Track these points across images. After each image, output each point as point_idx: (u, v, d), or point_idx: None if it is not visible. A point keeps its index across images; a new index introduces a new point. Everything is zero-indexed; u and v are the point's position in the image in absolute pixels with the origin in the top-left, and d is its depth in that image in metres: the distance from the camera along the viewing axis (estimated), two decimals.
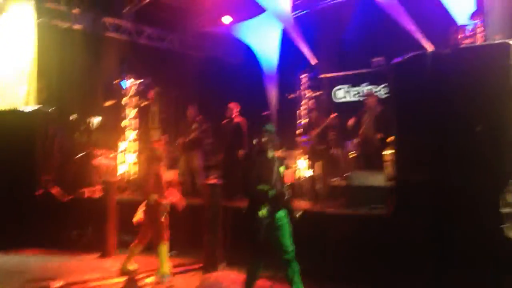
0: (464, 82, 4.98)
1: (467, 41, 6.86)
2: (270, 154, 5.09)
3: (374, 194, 6.79)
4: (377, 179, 6.90)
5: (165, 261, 6.48)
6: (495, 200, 4.72)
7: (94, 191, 9.54)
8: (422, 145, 5.19)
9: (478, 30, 6.90)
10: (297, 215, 5.11)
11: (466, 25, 7.46)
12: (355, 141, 8.77)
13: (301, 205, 8.16)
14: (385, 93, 10.97)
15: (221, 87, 13.20)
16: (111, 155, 11.27)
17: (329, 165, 9.54)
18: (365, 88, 11.80)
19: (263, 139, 5.13)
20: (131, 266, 6.76)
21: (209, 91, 13.15)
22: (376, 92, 10.96)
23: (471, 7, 7.96)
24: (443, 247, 4.94)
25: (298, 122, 11.68)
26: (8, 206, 9.15)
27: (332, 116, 9.20)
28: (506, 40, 4.88)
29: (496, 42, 5.36)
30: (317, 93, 12.41)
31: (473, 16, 7.25)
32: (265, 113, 9.99)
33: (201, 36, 13.93)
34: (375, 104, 8.31)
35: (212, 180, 7.86)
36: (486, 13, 6.40)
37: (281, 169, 5.10)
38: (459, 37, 6.90)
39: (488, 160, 4.78)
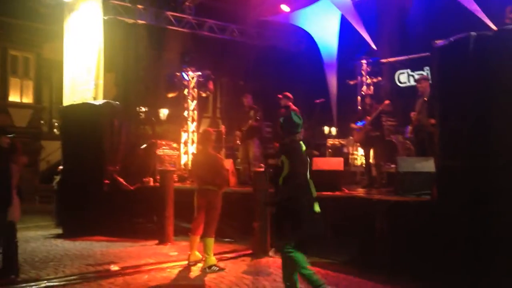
0: (508, 65, 4.77)
1: None
2: (303, 146, 5.06)
3: (422, 180, 6.66)
4: (426, 165, 6.75)
5: (211, 253, 6.60)
6: None
7: (156, 181, 9.95)
8: (464, 131, 5.04)
9: None
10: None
11: None
12: (410, 127, 8.61)
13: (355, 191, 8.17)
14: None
15: (281, 75, 13.31)
16: (174, 145, 11.68)
17: (384, 152, 9.42)
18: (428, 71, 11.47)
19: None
20: (194, 257, 6.91)
21: (269, 80, 13.28)
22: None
23: None
24: (483, 236, 4.82)
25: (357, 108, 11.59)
26: (77, 194, 9.75)
27: (386, 102, 9.05)
28: None
29: None
30: (378, 79, 12.23)
31: None
32: (318, 100, 9.94)
33: (260, 25, 14.04)
34: (428, 88, 8.10)
35: (260, 168, 7.99)
36: None
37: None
38: None
39: None
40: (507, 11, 7.40)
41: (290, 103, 9.56)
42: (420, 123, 8.07)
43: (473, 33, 5.24)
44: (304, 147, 5.04)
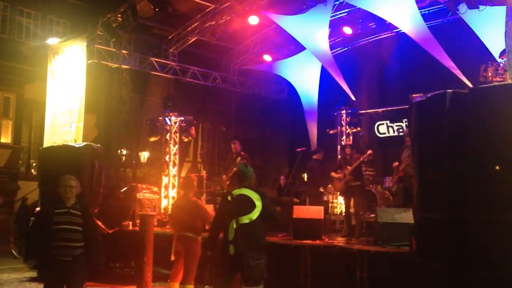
0: (481, 122, 4.97)
1: (497, 79, 6.82)
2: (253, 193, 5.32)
3: (401, 231, 6.77)
4: (405, 216, 6.88)
5: None
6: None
7: (136, 225, 9.86)
8: (441, 184, 5.19)
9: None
10: None
11: (498, 63, 7.44)
12: (394, 177, 8.80)
13: (335, 240, 8.22)
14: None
15: (263, 123, 13.55)
16: (155, 189, 11.64)
17: (364, 202, 9.54)
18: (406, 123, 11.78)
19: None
20: None
21: (251, 127, 13.49)
22: None
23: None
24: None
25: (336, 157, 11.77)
26: None
27: (368, 152, 9.24)
28: None
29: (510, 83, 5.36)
30: (357, 129, 12.49)
31: (501, 54, 7.24)
32: (299, 149, 10.13)
33: (243, 73, 14.34)
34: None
35: None
36: (508, 52, 6.39)
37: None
38: (489, 74, 6.88)
39: (505, 200, 4.74)
40: (481, 69, 7.72)
41: (242, 151, 9.78)
42: (406, 174, 8.23)
43: (449, 91, 5.46)
44: (249, 194, 5.27)
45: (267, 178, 11.71)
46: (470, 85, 9.95)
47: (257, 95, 14.48)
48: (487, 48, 10.21)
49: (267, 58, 13.58)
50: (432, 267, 5.30)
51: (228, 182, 10.32)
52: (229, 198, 5.37)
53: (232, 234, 5.24)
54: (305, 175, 11.58)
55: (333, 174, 9.49)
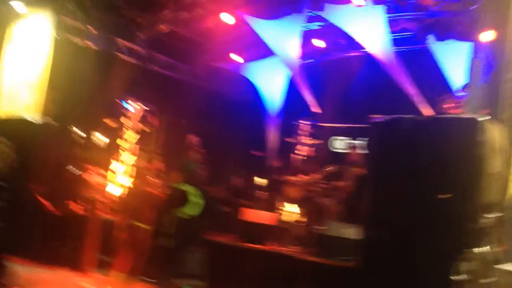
0: (435, 150, 5.21)
1: (455, 111, 7.11)
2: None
3: (348, 246, 6.93)
4: (353, 232, 7.05)
5: None
6: (447, 267, 4.90)
7: (81, 207, 9.70)
8: (390, 204, 5.39)
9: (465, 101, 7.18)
10: None
11: (458, 95, 7.74)
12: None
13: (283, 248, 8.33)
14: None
15: (224, 121, 13.54)
16: (107, 174, 11.43)
17: (315, 213, 9.70)
18: (357, 141, 12.02)
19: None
20: None
21: (212, 124, 13.44)
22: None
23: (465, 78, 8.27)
24: None
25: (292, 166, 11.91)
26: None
27: (328, 168, 9.39)
28: (475, 116, 5.13)
29: (466, 116, 5.63)
30: (315, 142, 12.66)
31: (464, 88, 7.54)
32: (255, 152, 10.22)
33: (210, 70, 14.29)
34: (358, 158, 8.54)
35: None
36: (469, 87, 6.69)
37: None
38: (447, 106, 7.16)
39: (447, 227, 4.98)
40: (440, 100, 7.99)
41: (197, 146, 9.80)
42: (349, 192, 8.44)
43: (407, 116, 5.67)
44: (190, 190, 5.40)
45: (220, 177, 11.70)
46: (427, 113, 10.29)
47: (222, 94, 14.46)
48: (448, 81, 10.59)
49: (237, 58, 13.59)
50: (374, 284, 5.46)
51: (176, 176, 10.24)
52: (171, 191, 5.48)
53: (169, 227, 5.31)
54: (261, 180, 11.67)
55: (287, 180, 9.61)
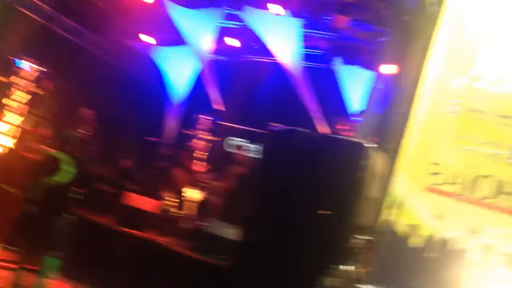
0: (321, 167, 5.44)
1: (347, 133, 7.46)
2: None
3: (225, 245, 7.00)
4: (232, 232, 7.14)
5: None
6: (314, 279, 5.13)
7: None
8: (272, 211, 5.55)
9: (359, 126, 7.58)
10: None
11: (353, 119, 8.15)
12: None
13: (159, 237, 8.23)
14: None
15: (123, 100, 13.15)
16: None
17: (199, 208, 9.69)
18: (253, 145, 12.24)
19: None
20: None
21: (110, 101, 13.00)
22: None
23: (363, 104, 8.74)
24: None
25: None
26: None
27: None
28: (363, 141, 5.43)
29: (355, 140, 5.95)
30: (212, 138, 12.69)
31: (359, 114, 7.96)
32: (150, 138, 10.07)
33: (118, 46, 13.83)
34: (243, 159, 8.71)
35: None
36: (364, 114, 7.07)
37: None
38: (341, 128, 7.49)
39: (319, 242, 5.22)
40: (336, 121, 8.34)
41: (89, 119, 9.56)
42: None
43: (302, 130, 5.86)
44: (65, 158, 5.36)
45: (109, 156, 11.35)
46: (322, 130, 10.71)
47: (126, 72, 14.03)
48: (347, 104, 11.09)
49: (148, 39, 13.30)
50: (245, 285, 5.57)
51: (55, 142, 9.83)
52: (44, 158, 5.30)
53: (36, 193, 5.12)
54: (152, 166, 11.49)
55: (181, 172, 9.54)
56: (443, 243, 5.70)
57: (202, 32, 11.92)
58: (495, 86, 5.93)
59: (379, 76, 8.89)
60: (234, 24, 12.43)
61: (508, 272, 5.38)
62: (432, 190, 5.87)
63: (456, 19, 6.22)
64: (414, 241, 5.86)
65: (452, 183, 5.80)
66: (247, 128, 12.87)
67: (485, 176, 5.74)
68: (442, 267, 5.73)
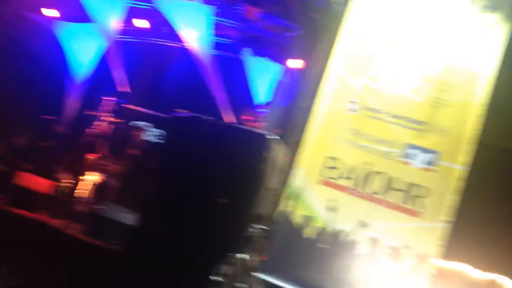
0: (224, 155, 5.48)
1: (252, 124, 7.56)
2: None
3: (120, 230, 6.87)
4: (129, 217, 7.02)
5: None
6: (209, 267, 5.18)
7: None
8: (171, 198, 5.51)
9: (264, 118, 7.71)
10: None
11: (259, 110, 8.27)
12: None
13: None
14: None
15: (19, 77, 12.43)
16: None
17: (96, 191, 9.40)
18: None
19: None
20: None
21: (6, 75, 12.26)
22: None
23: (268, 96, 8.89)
24: None
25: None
26: None
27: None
28: (265, 133, 5.53)
29: (258, 131, 6.05)
30: (115, 120, 12.31)
31: (262, 105, 8.09)
32: (46, 116, 9.61)
33: (18, 17, 13.00)
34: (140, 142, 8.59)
35: None
36: (270, 106, 7.19)
37: None
38: (246, 118, 7.58)
39: (217, 230, 5.26)
40: (242, 111, 8.43)
41: None
42: None
43: (206, 117, 5.86)
44: None
45: (0, 132, 10.71)
46: (227, 120, 10.77)
47: (25, 46, 13.23)
48: (254, 95, 11.22)
49: (52, 13, 12.62)
50: (139, 269, 5.50)
51: None
52: None
53: None
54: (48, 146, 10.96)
55: (79, 153, 9.19)
56: (335, 235, 5.95)
57: (109, 11, 11.52)
58: (391, 87, 6.25)
59: (286, 70, 9.06)
60: (144, 5, 12.11)
61: (393, 264, 5.72)
62: (327, 183, 6.10)
63: (359, 20, 6.47)
64: (308, 232, 6.07)
65: (346, 178, 6.06)
66: (152, 112, 12.62)
67: (377, 173, 6.05)
68: (333, 257, 5.98)
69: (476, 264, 5.98)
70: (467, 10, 6.12)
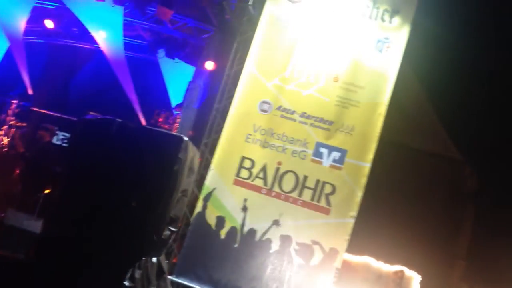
0: (136, 158, 5.34)
1: (165, 126, 7.48)
2: None
3: (24, 238, 6.53)
4: (34, 225, 6.69)
5: None
6: (123, 272, 5.05)
7: None
8: (80, 203, 5.29)
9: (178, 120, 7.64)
10: None
11: (173, 112, 8.19)
12: None
13: None
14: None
15: None
16: None
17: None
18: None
19: None
20: None
21: None
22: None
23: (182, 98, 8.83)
24: None
25: None
26: None
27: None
28: (180, 135, 5.48)
29: (172, 133, 5.99)
30: (19, 124, 11.72)
31: (176, 107, 8.03)
32: None
33: None
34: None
35: None
36: (184, 108, 7.14)
37: None
38: (160, 120, 7.49)
39: (131, 235, 5.12)
40: (155, 112, 8.31)
41: None
42: None
43: (116, 120, 5.69)
44: None
45: None
46: (141, 122, 10.58)
47: None
48: (168, 97, 11.09)
49: None
50: (46, 278, 5.26)
51: None
52: None
53: None
54: None
55: None
56: (248, 234, 6.01)
57: (14, 10, 10.94)
58: (302, 89, 6.42)
59: (199, 72, 9.04)
60: (52, 5, 11.61)
61: (301, 261, 5.87)
62: (240, 183, 6.16)
63: (272, 23, 6.60)
64: (222, 232, 6.09)
65: (259, 177, 6.14)
66: (58, 115, 12.14)
67: (289, 172, 6.19)
68: (247, 257, 6.04)
69: (379, 257, 6.27)
70: (371, 14, 6.41)
